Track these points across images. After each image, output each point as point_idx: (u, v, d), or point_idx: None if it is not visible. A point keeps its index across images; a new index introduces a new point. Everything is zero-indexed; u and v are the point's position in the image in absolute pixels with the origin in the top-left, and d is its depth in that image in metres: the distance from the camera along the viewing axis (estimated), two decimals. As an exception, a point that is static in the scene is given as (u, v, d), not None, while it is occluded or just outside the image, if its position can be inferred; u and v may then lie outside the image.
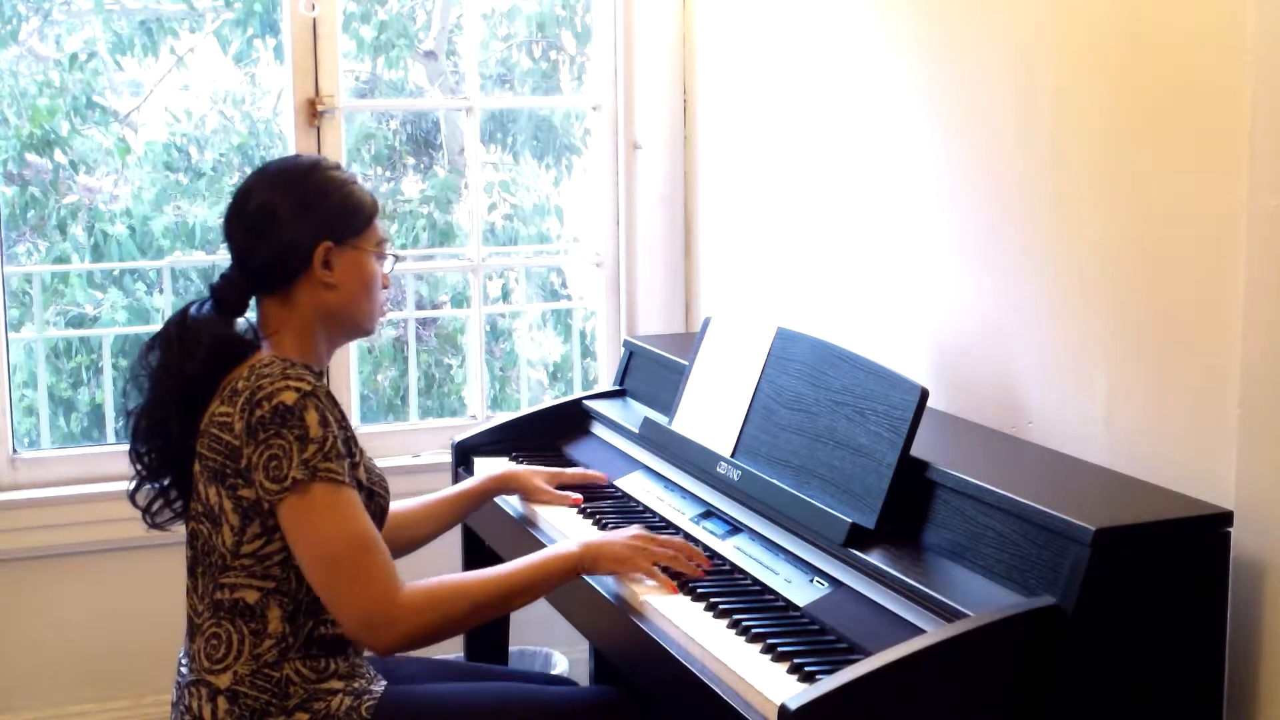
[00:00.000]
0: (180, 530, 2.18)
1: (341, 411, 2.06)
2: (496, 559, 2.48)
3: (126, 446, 2.14)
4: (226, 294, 2.12)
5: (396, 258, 2.25)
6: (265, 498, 1.98)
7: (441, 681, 2.28)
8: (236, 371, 2.05)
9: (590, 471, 2.69)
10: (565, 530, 2.45)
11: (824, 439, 2.27)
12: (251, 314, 2.16)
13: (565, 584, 2.18)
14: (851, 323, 2.87)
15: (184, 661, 2.11)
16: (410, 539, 2.44)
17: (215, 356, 2.07)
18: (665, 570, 2.20)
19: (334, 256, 2.11)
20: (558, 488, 2.59)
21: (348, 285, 2.13)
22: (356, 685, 2.08)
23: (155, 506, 2.15)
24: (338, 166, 2.18)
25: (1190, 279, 2.07)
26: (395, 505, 2.32)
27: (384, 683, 2.12)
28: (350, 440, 2.08)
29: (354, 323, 2.17)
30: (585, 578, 2.25)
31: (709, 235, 3.58)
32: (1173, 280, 2.10)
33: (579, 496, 2.54)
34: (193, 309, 2.12)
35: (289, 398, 1.97)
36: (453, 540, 2.77)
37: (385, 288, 2.20)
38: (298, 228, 2.09)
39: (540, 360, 6.46)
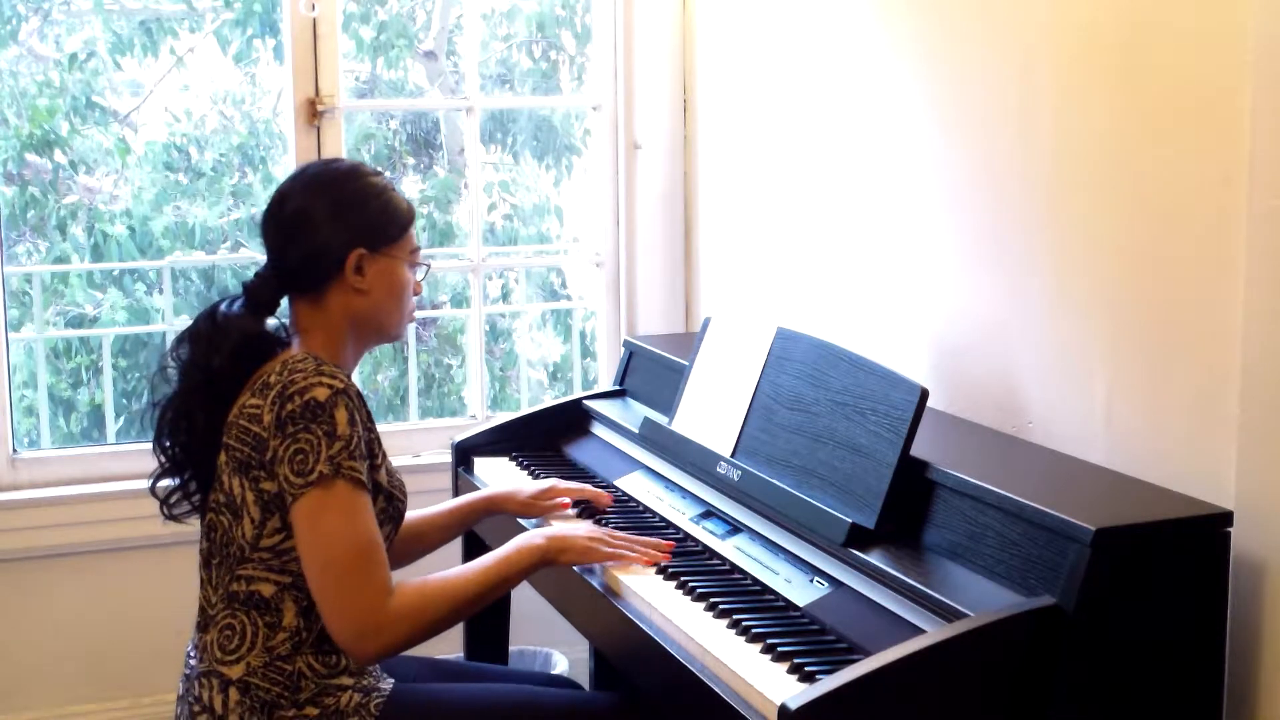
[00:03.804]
0: (185, 529, 2.20)
1: (369, 412, 2.09)
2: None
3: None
4: (259, 292, 2.13)
5: (429, 265, 2.27)
6: (288, 490, 1.99)
7: (442, 682, 2.29)
8: (268, 366, 2.07)
9: (589, 489, 2.57)
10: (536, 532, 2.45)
11: (824, 439, 2.27)
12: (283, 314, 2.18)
13: (559, 574, 2.22)
14: (851, 323, 2.87)
15: (192, 653, 2.12)
16: (412, 550, 2.43)
17: (243, 352, 2.09)
18: (663, 570, 2.21)
19: (367, 263, 2.12)
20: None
21: (379, 292, 2.14)
22: (366, 683, 2.08)
23: (174, 499, 2.16)
24: (377, 172, 2.20)
25: (1190, 279, 2.07)
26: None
27: (391, 681, 2.13)
28: (374, 442, 2.10)
29: (382, 328, 2.19)
30: (586, 579, 2.27)
31: (709, 235, 3.58)
32: (1173, 280, 2.11)
33: (568, 502, 2.51)
34: (223, 305, 2.14)
35: (321, 394, 1.99)
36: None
37: (416, 294, 2.22)
38: (332, 233, 2.11)
39: (540, 360, 6.46)
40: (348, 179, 2.15)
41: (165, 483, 2.17)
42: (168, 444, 2.14)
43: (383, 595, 1.98)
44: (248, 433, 2.03)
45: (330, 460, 1.97)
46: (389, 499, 2.12)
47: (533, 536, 2.20)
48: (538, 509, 2.50)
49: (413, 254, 2.20)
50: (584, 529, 2.27)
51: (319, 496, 1.97)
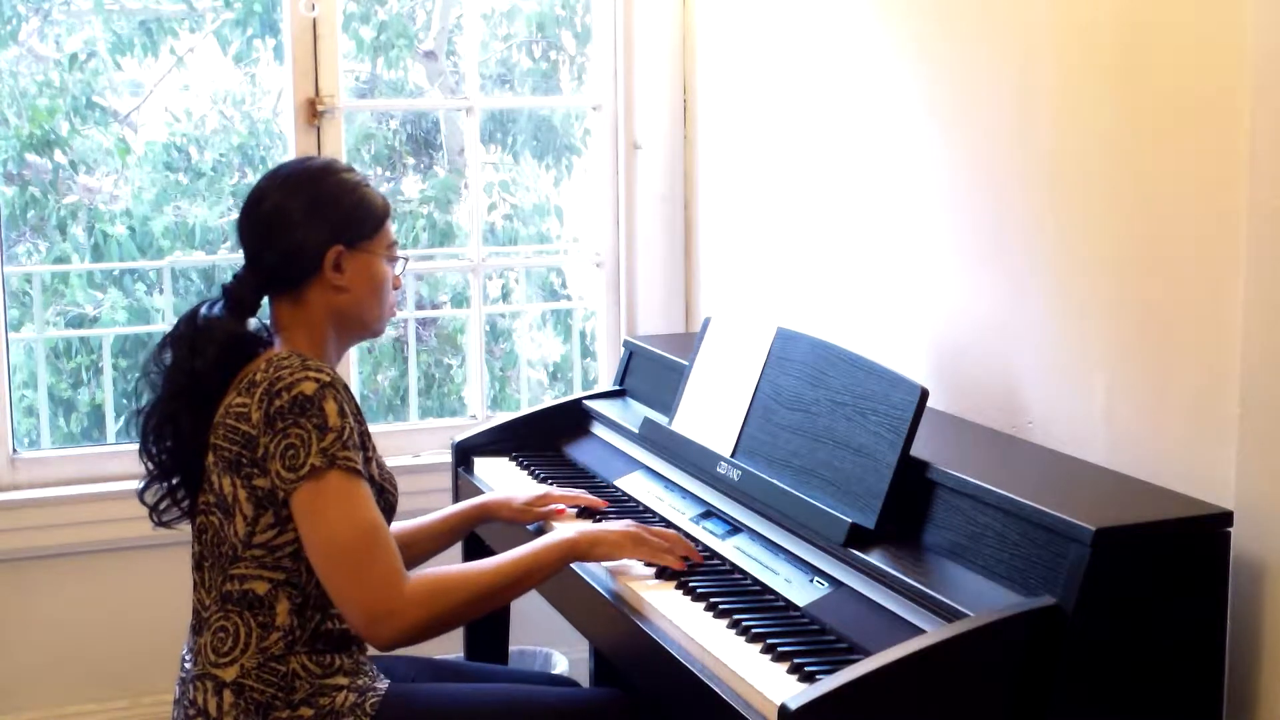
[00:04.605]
0: (183, 530, 2.19)
1: (357, 406, 2.09)
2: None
3: (135, 446, 2.16)
4: (238, 293, 2.13)
5: (406, 260, 2.27)
6: (280, 486, 1.98)
7: (441, 682, 2.28)
8: (252, 365, 2.07)
9: (583, 495, 2.55)
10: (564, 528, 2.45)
11: (824, 439, 2.27)
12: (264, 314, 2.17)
13: (560, 573, 2.18)
14: (851, 323, 2.87)
15: (187, 657, 2.12)
16: (409, 559, 2.43)
17: (226, 354, 2.09)
18: (661, 571, 2.21)
19: (345, 260, 2.13)
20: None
21: (358, 288, 2.14)
22: (361, 682, 2.08)
23: (163, 505, 2.16)
24: (350, 169, 2.20)
25: (1190, 279, 2.07)
26: (393, 526, 2.30)
27: (387, 681, 2.13)
28: (364, 435, 2.10)
29: (363, 324, 2.19)
30: (586, 579, 2.26)
31: (709, 235, 3.58)
32: (1173, 280, 2.11)
33: (562, 509, 2.50)
34: (203, 308, 2.14)
35: (309, 388, 1.99)
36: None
37: (396, 289, 2.22)
38: (309, 231, 2.11)
39: (540, 360, 6.46)
40: (322, 176, 2.15)
41: (154, 489, 2.16)
42: (154, 450, 2.13)
43: (393, 578, 1.98)
44: (236, 431, 2.02)
45: (323, 452, 1.97)
46: (380, 492, 2.12)
47: (564, 530, 2.19)
48: (531, 515, 2.49)
49: (390, 248, 2.19)
50: (621, 524, 2.25)
51: (314, 489, 1.97)
